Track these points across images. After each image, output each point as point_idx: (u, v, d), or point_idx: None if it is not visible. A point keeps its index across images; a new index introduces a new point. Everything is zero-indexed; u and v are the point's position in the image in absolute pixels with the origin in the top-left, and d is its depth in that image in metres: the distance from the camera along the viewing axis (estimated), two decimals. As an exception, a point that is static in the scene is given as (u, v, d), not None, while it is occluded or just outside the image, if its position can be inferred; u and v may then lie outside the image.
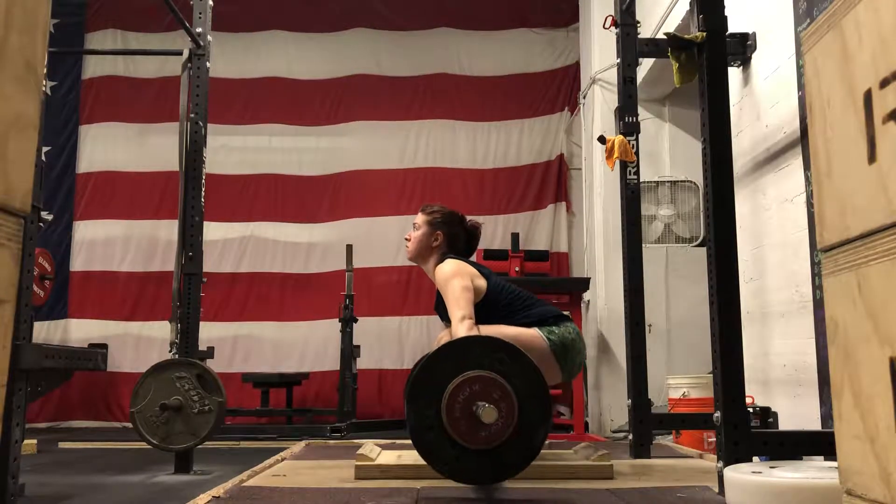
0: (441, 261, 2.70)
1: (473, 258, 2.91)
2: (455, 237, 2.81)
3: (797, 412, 3.16)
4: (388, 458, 2.57)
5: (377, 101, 6.98)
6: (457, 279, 2.54)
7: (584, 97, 6.38)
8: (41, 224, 2.49)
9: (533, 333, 2.56)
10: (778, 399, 3.32)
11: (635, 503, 2.03)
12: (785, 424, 3.19)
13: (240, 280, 6.70)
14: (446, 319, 2.67)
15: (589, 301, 5.76)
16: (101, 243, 6.73)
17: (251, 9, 7.05)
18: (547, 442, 3.53)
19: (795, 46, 3.19)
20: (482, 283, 2.65)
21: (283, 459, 3.02)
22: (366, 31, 7.09)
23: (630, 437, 3.06)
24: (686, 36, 2.27)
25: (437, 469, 2.05)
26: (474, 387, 2.00)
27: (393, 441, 3.52)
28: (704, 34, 2.21)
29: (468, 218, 2.92)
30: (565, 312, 2.78)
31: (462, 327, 2.39)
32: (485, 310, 2.60)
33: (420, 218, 2.85)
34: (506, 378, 2.01)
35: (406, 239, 2.88)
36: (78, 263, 6.73)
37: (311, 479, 2.47)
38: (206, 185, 3.56)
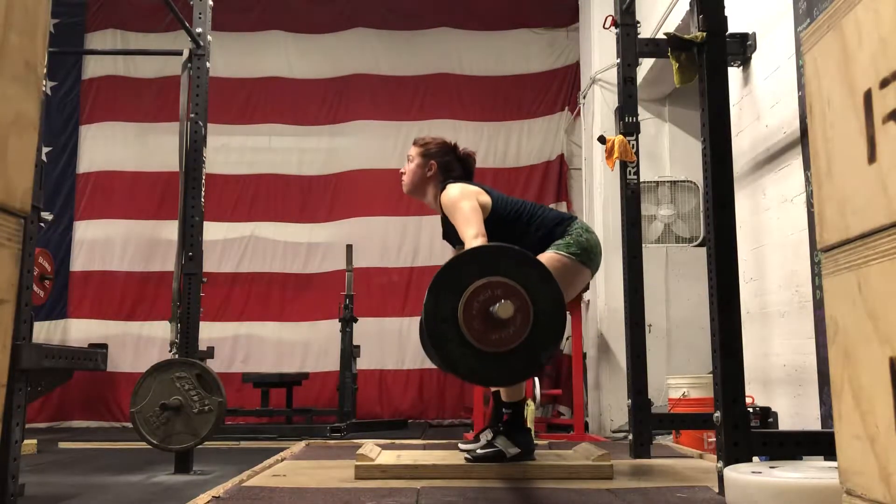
0: (443, 188, 2.72)
1: None
2: (449, 166, 2.83)
3: (797, 412, 3.16)
4: (388, 458, 2.57)
5: (377, 101, 6.98)
6: (464, 201, 2.56)
7: (584, 97, 6.38)
8: (41, 224, 2.49)
9: (553, 258, 2.59)
10: (778, 399, 3.32)
11: (635, 503, 2.03)
12: (785, 424, 3.19)
13: (240, 280, 6.70)
14: (458, 244, 2.72)
15: (589, 301, 5.76)
16: (101, 243, 6.73)
17: (251, 9, 7.05)
18: (547, 442, 3.54)
19: (795, 46, 3.19)
20: (487, 199, 2.68)
21: (283, 459, 3.02)
22: (366, 31, 7.09)
23: (630, 437, 3.06)
24: (686, 36, 2.27)
25: (439, 357, 2.08)
26: (497, 291, 2.03)
27: (393, 441, 3.52)
28: (704, 34, 2.22)
29: (462, 148, 2.93)
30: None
31: (476, 244, 2.40)
32: (493, 224, 2.63)
33: (413, 150, 2.88)
34: (528, 292, 2.03)
35: (401, 173, 2.90)
36: (78, 263, 6.73)
37: (311, 479, 2.47)
38: (206, 185, 3.56)
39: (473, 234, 2.44)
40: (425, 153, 2.83)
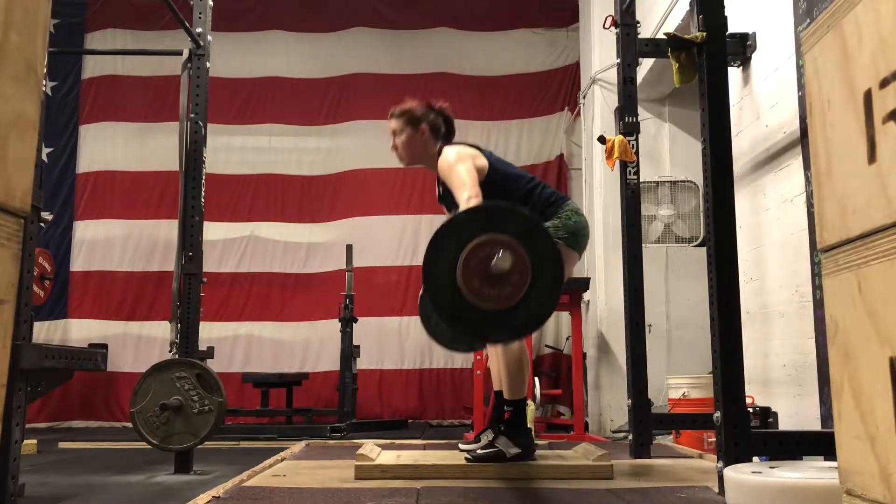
0: (440, 152, 2.71)
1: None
2: (435, 124, 2.81)
3: (797, 412, 3.16)
4: (388, 458, 2.57)
5: (377, 101, 6.95)
6: (460, 164, 2.56)
7: (584, 97, 6.38)
8: (41, 224, 2.49)
9: None
10: (778, 399, 3.31)
11: (635, 503, 2.03)
12: (785, 424, 3.19)
13: (240, 280, 6.70)
14: (454, 207, 2.70)
15: (589, 301, 5.76)
16: (101, 243, 6.73)
17: (251, 9, 7.05)
18: (547, 442, 3.54)
19: (795, 46, 3.19)
20: (483, 162, 2.67)
21: (283, 459, 3.02)
22: (365, 30, 7.09)
23: (630, 437, 3.06)
24: (686, 36, 2.27)
25: (436, 305, 2.07)
26: (496, 248, 2.03)
27: (393, 441, 3.52)
28: (704, 34, 2.22)
29: (437, 105, 2.90)
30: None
31: (470, 206, 2.36)
32: (489, 188, 2.62)
33: (395, 123, 2.83)
34: (527, 251, 2.03)
35: (393, 148, 2.87)
36: (78, 263, 6.74)
37: (311, 479, 2.47)
38: (206, 185, 3.56)
39: (467, 197, 2.43)
40: (410, 120, 2.80)
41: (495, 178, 2.66)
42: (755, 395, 3.45)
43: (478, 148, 2.76)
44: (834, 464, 1.32)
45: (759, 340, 3.50)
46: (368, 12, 7.09)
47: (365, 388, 6.23)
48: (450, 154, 2.63)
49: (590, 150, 6.07)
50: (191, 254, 3.42)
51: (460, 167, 2.55)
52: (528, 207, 2.64)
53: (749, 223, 3.61)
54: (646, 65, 4.92)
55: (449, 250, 2.03)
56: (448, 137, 2.86)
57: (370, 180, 6.84)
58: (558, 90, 6.94)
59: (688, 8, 3.60)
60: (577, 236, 2.64)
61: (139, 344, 6.52)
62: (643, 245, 3.27)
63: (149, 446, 3.18)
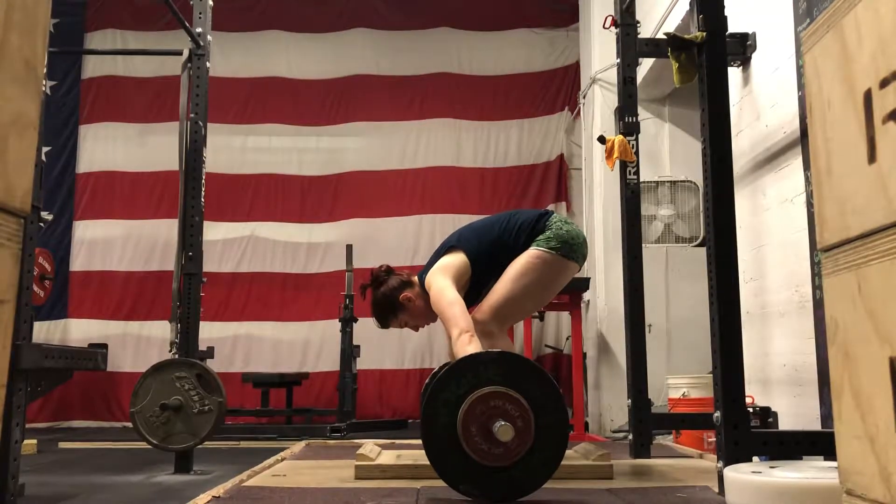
0: (423, 293, 2.65)
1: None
2: (401, 283, 2.73)
3: (797, 412, 3.16)
4: (388, 458, 2.57)
5: (377, 101, 6.98)
6: (440, 299, 2.49)
7: (584, 97, 6.38)
8: (41, 224, 2.49)
9: (533, 254, 2.57)
10: (778, 399, 3.31)
11: (635, 503, 2.03)
12: (785, 424, 3.19)
13: (240, 280, 6.70)
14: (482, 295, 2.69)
15: (589, 301, 5.76)
16: (100, 243, 6.73)
17: (251, 9, 7.05)
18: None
19: (795, 46, 3.19)
20: (461, 258, 2.62)
21: (283, 459, 3.02)
22: (366, 31, 7.09)
23: (630, 437, 3.06)
24: (686, 36, 2.27)
25: (426, 426, 2.04)
26: (503, 403, 2.01)
27: (393, 441, 3.52)
28: (704, 34, 2.21)
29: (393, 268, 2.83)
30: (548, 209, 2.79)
31: (459, 344, 2.32)
32: (481, 264, 2.61)
33: (394, 324, 2.76)
34: (534, 410, 2.01)
35: (416, 329, 2.83)
36: (78, 263, 6.74)
37: (311, 479, 2.47)
38: (206, 185, 3.56)
39: (457, 334, 2.35)
40: (391, 307, 2.71)
41: (480, 256, 2.62)
42: (755, 395, 3.45)
43: (446, 243, 2.71)
44: (834, 464, 1.32)
45: (759, 340, 3.50)
46: (368, 12, 7.09)
47: (365, 388, 6.23)
48: (432, 293, 2.54)
49: (590, 150, 6.07)
50: (191, 254, 3.42)
51: (442, 303, 2.47)
52: (518, 241, 2.60)
53: (749, 223, 3.61)
54: (646, 65, 4.92)
55: (462, 386, 2.01)
56: (408, 277, 2.76)
57: (370, 181, 6.84)
58: (558, 90, 6.94)
59: (688, 8, 3.60)
60: (572, 244, 2.59)
61: (139, 344, 6.52)
62: (643, 245, 3.27)
63: (149, 446, 3.18)
